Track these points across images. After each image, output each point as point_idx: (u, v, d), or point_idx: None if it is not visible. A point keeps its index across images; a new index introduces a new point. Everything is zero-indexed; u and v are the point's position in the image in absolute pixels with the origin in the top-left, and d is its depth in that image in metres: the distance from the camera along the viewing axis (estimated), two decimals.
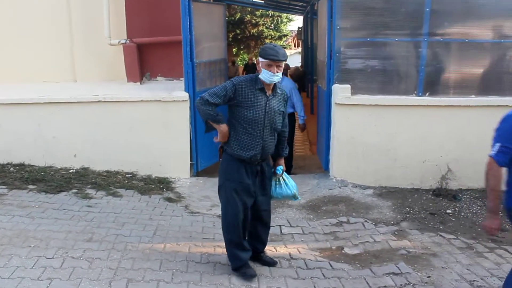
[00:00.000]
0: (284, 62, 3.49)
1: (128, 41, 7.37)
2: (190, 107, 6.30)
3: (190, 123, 6.35)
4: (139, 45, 7.41)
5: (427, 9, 5.87)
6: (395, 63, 6.15)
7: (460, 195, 5.93)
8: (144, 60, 7.57)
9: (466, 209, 5.56)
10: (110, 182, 5.96)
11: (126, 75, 7.47)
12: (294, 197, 3.88)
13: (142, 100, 6.29)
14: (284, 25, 28.27)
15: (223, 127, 3.59)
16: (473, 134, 6.02)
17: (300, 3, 15.47)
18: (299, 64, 21.08)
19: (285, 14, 26.06)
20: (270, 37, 26.48)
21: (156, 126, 6.32)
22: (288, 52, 28.20)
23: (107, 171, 6.33)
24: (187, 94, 6.28)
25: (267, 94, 3.55)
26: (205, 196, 5.86)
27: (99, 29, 7.47)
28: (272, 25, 26.67)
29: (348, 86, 6.01)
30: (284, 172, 3.86)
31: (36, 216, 4.71)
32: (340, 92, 6.01)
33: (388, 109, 6.05)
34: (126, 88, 7.02)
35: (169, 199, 5.60)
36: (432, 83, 6.10)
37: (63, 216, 4.79)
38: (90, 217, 4.79)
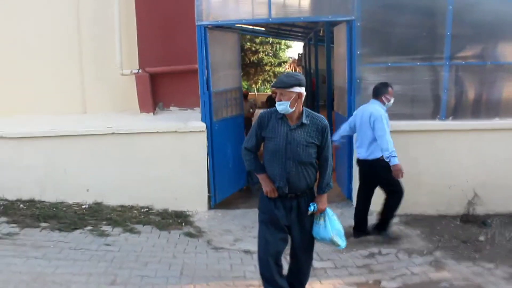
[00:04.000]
0: (286, 89, 3.30)
1: (140, 71, 7.21)
2: (207, 138, 6.11)
3: (207, 154, 6.14)
4: (151, 74, 7.25)
5: (448, 33, 5.78)
6: (417, 87, 6.03)
7: (489, 220, 5.74)
8: (157, 90, 7.40)
9: (498, 235, 5.36)
10: (126, 217, 5.71)
11: (139, 106, 7.29)
12: (332, 242, 3.53)
13: (157, 132, 6.10)
14: (283, 51, 28.35)
15: (262, 177, 3.50)
16: (498, 158, 5.88)
17: (301, 30, 15.50)
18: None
19: (283, 42, 26.16)
20: (270, 64, 26.51)
21: (172, 158, 6.12)
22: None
23: (122, 206, 6.07)
24: (204, 124, 6.10)
25: (290, 124, 3.39)
26: (226, 229, 5.61)
27: (110, 58, 7.31)
28: (271, 52, 26.72)
29: None
30: (329, 213, 3.56)
31: (52, 257, 4.46)
32: None
33: (412, 134, 5.91)
34: (140, 119, 6.84)
35: (190, 234, 5.35)
36: (455, 107, 5.98)
37: (81, 256, 4.53)
38: (110, 257, 4.54)
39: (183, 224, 5.69)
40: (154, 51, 7.24)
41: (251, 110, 9.98)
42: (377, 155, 5.01)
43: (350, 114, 6.02)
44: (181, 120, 6.36)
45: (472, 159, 5.91)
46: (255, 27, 15.82)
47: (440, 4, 5.83)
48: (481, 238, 5.29)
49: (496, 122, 5.90)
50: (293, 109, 3.33)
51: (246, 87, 25.45)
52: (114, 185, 6.14)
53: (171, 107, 7.54)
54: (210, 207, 6.28)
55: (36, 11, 7.58)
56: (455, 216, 5.92)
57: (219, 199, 6.42)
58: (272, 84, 3.33)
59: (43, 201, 6.12)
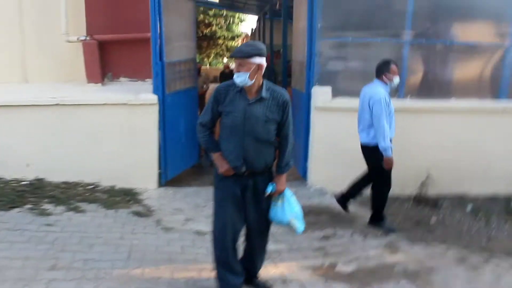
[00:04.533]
0: (245, 59, 3.03)
1: (88, 38, 6.70)
2: (159, 111, 5.78)
3: (158, 128, 5.82)
4: (100, 42, 6.74)
5: (409, 9, 5.66)
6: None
7: (440, 202, 5.79)
8: (106, 59, 6.90)
9: (449, 216, 5.42)
10: (70, 195, 5.34)
11: (86, 76, 6.78)
12: (290, 225, 3.31)
13: (105, 104, 5.71)
14: (236, 25, 27.81)
15: (216, 156, 3.26)
16: (454, 139, 5.90)
17: (256, 3, 15.13)
18: None
19: (237, 15, 25.63)
20: (223, 37, 25.98)
21: (121, 132, 5.76)
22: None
23: (66, 183, 5.68)
24: (156, 96, 5.75)
25: (248, 97, 3.13)
26: (177, 208, 5.36)
27: (54, 24, 6.71)
28: (225, 25, 26.17)
29: (329, 88, 5.72)
30: (287, 194, 3.33)
31: None
32: (321, 95, 5.71)
33: None
34: (87, 90, 6.37)
35: (138, 214, 5.06)
36: (413, 86, 5.92)
37: (19, 238, 4.16)
38: (51, 239, 4.19)
39: (131, 202, 5.39)
40: (103, 17, 6.72)
41: (204, 86, 9.59)
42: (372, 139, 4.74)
43: (308, 90, 5.87)
44: (132, 92, 5.98)
45: (429, 140, 5.89)
46: None
47: None
48: (433, 219, 5.32)
49: (453, 103, 5.89)
50: (253, 81, 3.07)
51: (198, 61, 24.84)
52: (57, 160, 5.73)
53: (120, 78, 7.07)
54: (161, 184, 6.00)
55: None
56: (409, 197, 5.92)
57: (170, 176, 6.15)
58: (230, 54, 3.03)
59: None
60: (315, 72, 5.76)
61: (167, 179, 6.06)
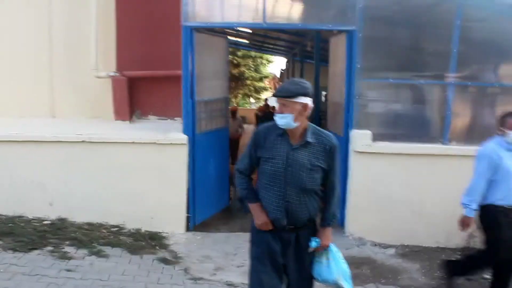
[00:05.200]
0: (290, 99, 2.73)
1: (118, 74, 6.57)
2: (189, 151, 5.52)
3: (188, 170, 5.54)
4: (129, 78, 6.61)
5: (454, 50, 5.37)
6: (419, 107, 5.61)
7: None
8: (135, 96, 6.76)
9: None
10: (93, 237, 5.03)
11: (114, 112, 6.63)
12: (336, 285, 2.93)
13: (133, 142, 5.47)
14: (264, 66, 28.06)
15: (254, 207, 2.93)
16: None
17: (286, 44, 15.16)
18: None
19: (265, 56, 25.87)
20: (251, 78, 26.16)
21: (149, 173, 5.50)
22: (269, 93, 27.98)
23: (89, 224, 5.40)
24: (186, 136, 5.50)
25: (292, 142, 2.81)
26: (206, 256, 4.99)
27: (84, 59, 6.63)
28: (253, 66, 26.40)
29: (369, 132, 5.40)
30: (333, 250, 2.97)
31: None
32: (360, 138, 5.39)
33: (412, 158, 5.46)
34: (114, 127, 6.19)
35: (165, 260, 4.71)
36: (458, 130, 5.56)
37: (36, 285, 3.84)
38: (70, 286, 3.86)
39: (157, 247, 5.05)
40: (133, 53, 6.63)
41: (239, 129, 9.25)
42: (483, 201, 4.07)
43: (346, 133, 5.56)
44: (161, 131, 5.76)
45: None
46: (238, 39, 15.39)
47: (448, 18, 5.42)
48: (486, 275, 4.84)
49: None
50: (297, 123, 2.77)
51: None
52: (82, 200, 5.48)
53: (149, 116, 6.89)
54: (188, 228, 5.65)
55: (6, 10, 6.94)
56: (455, 249, 5.47)
57: (199, 220, 5.81)
58: (273, 93, 2.76)
59: None
60: (354, 115, 5.46)
61: (195, 224, 5.73)
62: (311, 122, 2.91)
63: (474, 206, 4.03)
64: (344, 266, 3.01)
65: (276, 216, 2.84)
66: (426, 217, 5.50)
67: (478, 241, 5.37)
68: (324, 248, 2.95)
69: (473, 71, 5.60)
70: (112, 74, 6.60)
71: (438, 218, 5.49)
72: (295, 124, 2.77)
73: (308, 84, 2.83)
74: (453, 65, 5.43)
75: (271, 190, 2.85)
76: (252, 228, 3.01)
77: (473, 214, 4.06)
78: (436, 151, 5.46)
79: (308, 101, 2.79)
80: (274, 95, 2.81)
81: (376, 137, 5.46)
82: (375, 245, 5.49)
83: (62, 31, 6.93)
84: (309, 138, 2.82)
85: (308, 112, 2.81)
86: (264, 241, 2.91)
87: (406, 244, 5.52)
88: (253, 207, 2.93)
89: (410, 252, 5.39)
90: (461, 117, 5.62)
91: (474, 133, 5.64)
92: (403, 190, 5.48)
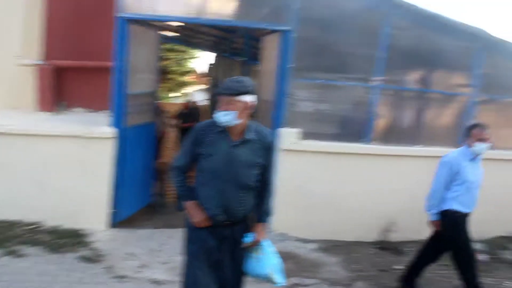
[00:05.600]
0: (235, 97, 2.76)
1: (43, 62, 6.24)
2: (116, 146, 5.38)
3: (114, 164, 5.41)
4: (56, 68, 6.30)
5: (382, 55, 5.65)
6: (346, 108, 5.85)
7: (403, 248, 5.69)
8: (61, 87, 6.45)
9: None
10: (8, 236, 4.77)
11: (38, 103, 6.30)
12: (268, 279, 2.99)
13: (57, 135, 5.25)
14: (188, 61, 27.59)
15: (190, 205, 2.94)
16: (418, 185, 5.83)
17: (216, 40, 15.03)
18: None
19: (190, 51, 25.37)
20: (174, 72, 25.64)
21: (72, 167, 5.28)
22: (192, 88, 27.53)
23: (3, 221, 5.09)
24: (113, 130, 5.36)
25: (232, 139, 2.85)
26: (130, 253, 4.90)
27: (6, 45, 6.21)
28: (176, 60, 25.88)
29: (296, 130, 5.56)
30: (265, 245, 3.02)
31: None
32: (288, 136, 5.53)
33: (335, 156, 5.70)
34: (37, 119, 5.86)
35: (87, 259, 4.58)
36: (381, 131, 5.87)
37: None
38: None
39: (79, 245, 4.88)
40: (62, 42, 6.32)
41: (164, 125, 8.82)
42: (443, 206, 4.29)
43: (275, 131, 5.68)
44: (87, 124, 5.57)
45: (393, 185, 5.83)
46: (170, 33, 15.03)
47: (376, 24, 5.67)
48: (397, 266, 5.18)
49: (420, 149, 5.88)
50: (239, 121, 2.81)
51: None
52: None
53: (76, 108, 6.62)
54: (112, 225, 5.52)
55: None
56: (373, 242, 5.82)
57: (123, 216, 5.68)
58: (217, 90, 2.75)
59: None
60: (283, 113, 5.59)
61: (119, 220, 5.60)
62: None
63: (434, 210, 4.31)
64: (276, 260, 3.06)
65: (215, 212, 2.86)
66: (346, 213, 5.76)
67: (392, 235, 5.78)
68: (257, 244, 3.00)
69: (396, 75, 5.92)
70: (37, 62, 6.25)
71: (357, 213, 5.79)
72: (237, 122, 2.80)
73: (250, 82, 2.87)
74: (379, 69, 5.70)
75: (210, 186, 2.86)
76: (187, 225, 3.02)
77: (436, 218, 4.32)
78: (358, 149, 5.73)
79: (251, 98, 2.83)
80: (217, 92, 2.80)
81: (306, 136, 5.61)
82: (298, 240, 5.66)
83: None
84: (249, 135, 2.86)
85: (250, 109, 2.86)
86: (201, 238, 2.93)
87: (327, 239, 5.74)
88: (190, 205, 2.94)
89: (332, 246, 5.62)
90: (383, 118, 5.92)
91: (394, 134, 5.99)
92: (325, 187, 5.69)
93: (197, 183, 2.95)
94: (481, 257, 5.54)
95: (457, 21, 5.75)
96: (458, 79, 6.17)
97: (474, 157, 4.25)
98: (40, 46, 6.40)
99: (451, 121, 6.17)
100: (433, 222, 4.38)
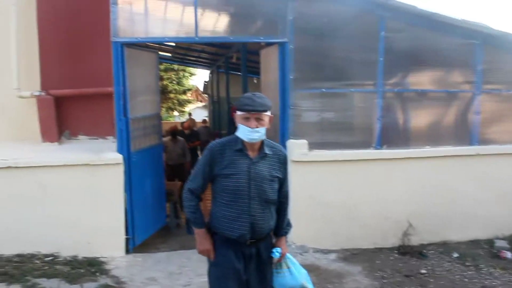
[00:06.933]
0: (265, 113, 2.76)
1: (43, 93, 6.20)
2: (124, 171, 5.32)
3: (124, 190, 5.34)
4: (56, 98, 6.27)
5: (381, 59, 5.65)
6: (352, 115, 5.84)
7: (425, 251, 5.62)
8: (63, 116, 6.41)
9: (437, 266, 5.25)
10: (26, 270, 4.69)
11: (41, 134, 6.25)
12: None
13: (65, 165, 5.19)
14: (186, 79, 27.76)
15: (200, 233, 2.90)
16: (430, 186, 5.82)
17: (210, 57, 15.09)
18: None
19: (188, 69, 25.59)
20: (174, 91, 25.79)
21: (83, 196, 5.24)
22: (192, 106, 27.59)
23: (20, 255, 5.03)
24: (121, 156, 5.30)
25: (251, 156, 2.82)
26: (150, 278, 4.82)
27: (4, 78, 6.23)
28: (175, 79, 26.04)
29: (305, 141, 5.53)
30: (290, 257, 3.02)
31: None
32: (297, 148, 5.50)
33: (346, 164, 5.66)
34: (42, 150, 5.83)
35: (108, 287, 4.50)
36: (389, 135, 5.84)
37: None
38: None
39: (98, 273, 4.81)
40: (59, 71, 6.32)
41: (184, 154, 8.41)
42: None
43: (283, 143, 5.64)
44: (93, 151, 5.51)
45: (406, 188, 5.78)
46: (162, 53, 15.09)
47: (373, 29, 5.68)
48: (423, 271, 5.11)
49: (427, 150, 5.84)
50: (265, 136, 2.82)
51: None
52: (9, 230, 5.10)
53: (79, 136, 6.58)
54: (128, 251, 5.44)
55: None
56: (392, 248, 5.73)
57: (139, 241, 5.62)
58: (247, 107, 2.68)
59: None
60: (289, 125, 5.57)
61: (135, 245, 5.53)
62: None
63: None
64: (303, 269, 3.07)
65: (241, 232, 2.80)
66: (362, 220, 5.70)
67: (412, 239, 5.72)
68: (283, 257, 2.97)
69: (398, 78, 5.93)
70: (36, 93, 6.22)
71: (373, 219, 5.73)
72: (264, 137, 2.81)
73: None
74: (380, 73, 5.70)
75: (233, 206, 2.80)
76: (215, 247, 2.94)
77: None
78: (368, 155, 5.69)
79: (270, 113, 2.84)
80: (248, 110, 2.72)
81: (312, 146, 5.59)
82: (317, 251, 5.59)
83: None
84: (266, 150, 2.85)
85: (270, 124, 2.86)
86: (227, 260, 2.85)
87: (346, 248, 5.67)
88: (199, 233, 2.90)
89: (351, 255, 5.55)
90: (390, 122, 5.90)
91: (402, 137, 5.98)
92: (338, 195, 5.64)
93: (217, 205, 2.88)
94: (507, 254, 5.52)
95: (455, 18, 5.75)
96: (460, 76, 6.16)
97: None
98: (38, 77, 6.35)
99: (457, 119, 6.16)
100: None
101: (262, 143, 2.85)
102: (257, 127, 2.74)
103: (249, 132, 2.74)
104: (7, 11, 6.18)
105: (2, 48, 6.30)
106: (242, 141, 2.80)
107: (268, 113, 2.79)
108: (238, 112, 2.80)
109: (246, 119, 2.75)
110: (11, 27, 6.14)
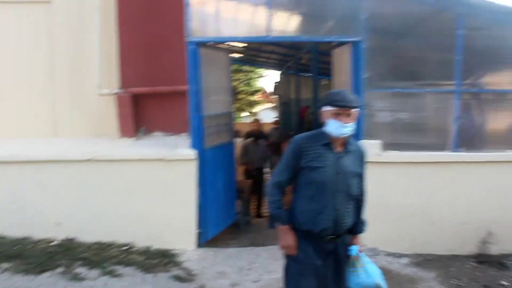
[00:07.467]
0: (354, 109, 2.79)
1: (122, 91, 6.51)
2: (197, 167, 5.45)
3: (197, 185, 5.47)
4: (134, 95, 6.56)
5: (458, 58, 5.41)
6: (427, 115, 5.63)
7: (506, 261, 5.29)
8: (139, 113, 6.70)
9: None
10: (104, 257, 4.93)
11: (119, 130, 6.56)
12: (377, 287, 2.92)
13: (141, 159, 5.41)
14: (255, 80, 28.13)
15: (284, 229, 2.91)
16: None
17: (280, 58, 15.18)
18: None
19: (257, 70, 25.93)
20: (244, 92, 26.22)
21: (157, 189, 5.41)
22: (261, 107, 27.95)
23: (98, 243, 5.29)
24: (194, 151, 5.44)
25: (336, 151, 2.82)
26: (220, 272, 4.90)
27: (86, 77, 6.60)
28: (245, 80, 26.46)
29: (379, 141, 5.40)
30: (364, 255, 2.98)
31: None
32: (370, 148, 5.32)
33: (422, 166, 5.45)
34: (120, 145, 6.11)
35: (179, 278, 4.62)
36: (466, 137, 5.57)
37: None
38: None
39: (170, 264, 4.95)
40: (137, 70, 6.59)
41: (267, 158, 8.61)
42: None
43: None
44: (168, 147, 5.69)
45: (485, 193, 5.48)
46: (233, 54, 15.38)
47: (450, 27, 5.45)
48: (504, 282, 4.81)
49: (509, 154, 5.51)
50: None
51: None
52: (89, 219, 5.38)
53: (155, 132, 6.82)
54: (200, 245, 5.56)
55: (8, 28, 6.90)
56: (468, 255, 5.45)
57: (210, 236, 5.72)
58: (339, 103, 2.69)
59: (4, 237, 5.28)
60: (362, 125, 5.46)
61: (206, 239, 5.64)
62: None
63: None
64: (378, 269, 3.03)
65: (324, 226, 2.81)
66: (438, 224, 5.47)
67: (491, 248, 5.41)
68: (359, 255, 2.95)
69: (476, 78, 5.65)
70: (115, 91, 6.54)
71: (449, 225, 5.48)
72: (352, 132, 2.85)
73: None
74: (458, 73, 5.46)
75: (318, 200, 2.82)
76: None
77: None
78: (445, 158, 5.46)
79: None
80: (340, 106, 2.75)
81: (386, 146, 5.46)
82: (389, 255, 5.43)
83: (64, 49, 6.89)
84: (351, 146, 2.88)
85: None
86: (307, 256, 2.86)
87: (419, 253, 5.47)
88: (283, 229, 2.91)
89: (424, 260, 5.34)
90: (468, 123, 5.63)
91: (480, 139, 5.69)
92: (413, 198, 5.46)
93: (300, 198, 2.89)
94: None
95: None
96: None
97: None
98: (118, 75, 6.68)
99: None
100: None
101: (346, 139, 2.85)
102: (346, 122, 2.76)
103: (339, 128, 2.75)
104: (91, 13, 6.56)
105: (85, 49, 6.68)
106: (329, 136, 2.81)
107: (358, 109, 2.82)
108: (328, 108, 2.81)
109: (337, 114, 2.77)
110: (94, 29, 6.50)
